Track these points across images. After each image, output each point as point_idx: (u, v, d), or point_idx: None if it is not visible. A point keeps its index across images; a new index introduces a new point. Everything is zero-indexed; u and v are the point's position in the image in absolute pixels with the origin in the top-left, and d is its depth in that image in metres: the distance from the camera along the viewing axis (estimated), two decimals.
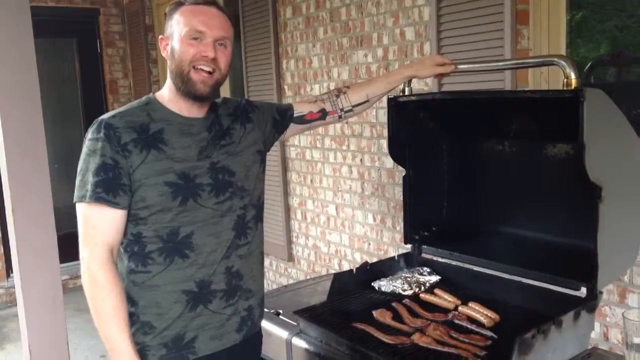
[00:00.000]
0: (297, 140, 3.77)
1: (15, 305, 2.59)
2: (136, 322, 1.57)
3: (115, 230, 1.51)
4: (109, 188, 1.47)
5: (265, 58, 3.88)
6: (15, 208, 2.31)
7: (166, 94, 1.61)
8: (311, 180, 3.70)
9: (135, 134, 1.51)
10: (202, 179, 1.57)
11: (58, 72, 5.88)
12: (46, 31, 5.30)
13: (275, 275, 4.22)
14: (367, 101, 1.96)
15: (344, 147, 3.36)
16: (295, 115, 1.88)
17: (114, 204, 1.48)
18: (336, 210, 3.52)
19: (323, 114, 1.91)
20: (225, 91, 4.59)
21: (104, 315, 1.48)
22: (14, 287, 2.53)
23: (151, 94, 1.64)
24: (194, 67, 1.53)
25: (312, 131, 3.61)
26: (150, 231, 1.53)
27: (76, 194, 1.50)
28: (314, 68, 3.52)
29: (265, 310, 2.01)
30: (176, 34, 1.54)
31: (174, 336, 1.57)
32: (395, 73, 2.01)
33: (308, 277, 3.55)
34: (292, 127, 1.90)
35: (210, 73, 1.55)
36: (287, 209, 3.96)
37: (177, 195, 1.52)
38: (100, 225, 1.49)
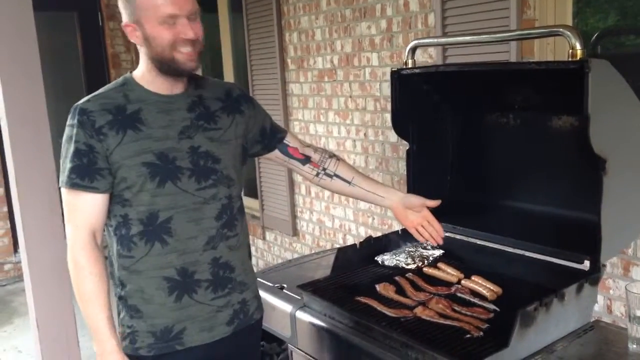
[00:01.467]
0: (300, 114, 3.75)
1: (23, 280, 2.62)
2: (125, 306, 1.58)
3: (96, 213, 1.52)
4: (84, 173, 1.48)
5: (268, 31, 3.83)
6: (19, 183, 2.32)
7: (144, 74, 1.56)
8: None
9: (110, 116, 1.49)
10: (181, 162, 1.54)
11: (60, 46, 5.83)
12: (47, 4, 5.24)
13: (280, 250, 4.24)
14: (348, 183, 1.86)
15: (348, 121, 3.34)
16: (284, 140, 1.81)
17: (92, 189, 1.49)
18: None
19: (306, 159, 1.83)
20: (227, 66, 4.55)
21: (85, 296, 1.50)
22: (22, 262, 2.55)
23: (128, 73, 1.60)
24: (175, 50, 1.48)
25: (315, 105, 3.59)
26: (134, 213, 1.53)
27: (60, 179, 1.53)
28: (317, 40, 3.48)
29: (269, 284, 2.03)
30: (145, 20, 1.46)
31: (162, 327, 1.57)
32: (382, 192, 1.90)
33: (312, 252, 3.56)
34: (274, 152, 1.82)
35: (194, 49, 1.50)
36: (292, 183, 3.96)
37: (155, 176, 1.51)
38: (80, 209, 1.51)
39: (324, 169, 1.85)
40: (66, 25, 5.87)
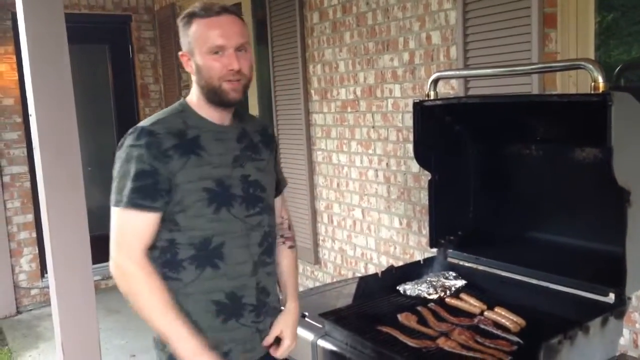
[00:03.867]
0: (323, 144, 3.79)
1: (49, 305, 2.67)
2: None
3: (150, 232, 1.54)
4: (147, 194, 1.50)
5: (292, 63, 3.91)
6: (49, 209, 2.38)
7: (196, 101, 1.63)
8: (338, 184, 3.72)
9: (175, 139, 1.54)
10: (235, 189, 1.60)
11: (91, 77, 6.02)
12: (80, 37, 5.44)
13: (302, 278, 4.24)
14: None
15: (370, 151, 3.37)
16: (277, 196, 1.81)
17: (151, 209, 1.51)
18: (362, 213, 3.53)
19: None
20: (252, 96, 4.64)
21: (155, 310, 1.50)
22: (49, 288, 2.60)
23: (183, 99, 1.65)
24: (222, 80, 1.54)
25: (338, 134, 3.63)
26: (184, 238, 1.56)
27: (113, 197, 1.53)
28: (340, 72, 3.54)
29: None
30: (197, 50, 1.54)
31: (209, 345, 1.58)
32: (287, 297, 1.80)
33: (334, 280, 3.56)
34: None
35: (238, 80, 1.57)
36: (314, 212, 3.98)
37: (212, 202, 1.56)
38: (136, 229, 1.52)
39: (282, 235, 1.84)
40: (98, 57, 6.06)
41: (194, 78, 1.60)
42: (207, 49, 1.53)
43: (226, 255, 1.58)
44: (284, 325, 1.73)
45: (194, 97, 1.63)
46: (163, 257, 1.58)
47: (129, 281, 1.52)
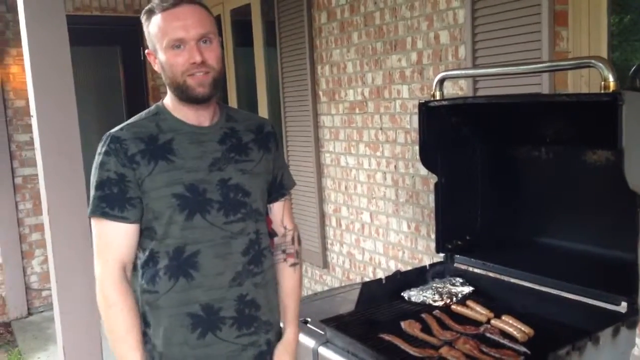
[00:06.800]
0: (331, 146, 3.74)
1: None
2: (148, 343, 1.53)
3: (127, 245, 1.48)
4: (114, 203, 1.45)
5: (301, 64, 3.87)
6: (50, 211, 2.37)
7: (170, 103, 1.56)
8: (346, 187, 3.67)
9: (143, 144, 1.47)
10: (211, 194, 1.50)
11: (103, 79, 6.04)
12: (92, 39, 5.47)
13: (311, 282, 4.19)
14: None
15: (379, 154, 3.31)
16: (276, 201, 1.69)
17: (122, 219, 1.46)
18: (370, 217, 3.47)
19: (271, 233, 1.70)
20: (262, 98, 4.61)
21: (117, 334, 1.47)
22: (51, 290, 2.58)
23: (160, 102, 1.58)
24: (187, 75, 1.46)
25: (346, 137, 3.58)
26: (161, 247, 1.49)
27: (89, 208, 1.50)
28: (349, 73, 3.49)
29: None
30: (158, 46, 1.47)
31: None
32: (286, 322, 1.70)
33: (343, 285, 3.51)
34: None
35: (205, 73, 1.47)
36: (322, 215, 3.93)
37: (184, 208, 1.47)
38: (110, 241, 1.47)
39: (284, 251, 1.71)
40: (110, 59, 6.08)
41: (163, 77, 1.52)
42: (167, 44, 1.44)
43: (201, 264, 1.49)
44: (281, 356, 1.63)
45: (169, 99, 1.56)
46: (145, 267, 1.51)
47: (101, 299, 1.48)
